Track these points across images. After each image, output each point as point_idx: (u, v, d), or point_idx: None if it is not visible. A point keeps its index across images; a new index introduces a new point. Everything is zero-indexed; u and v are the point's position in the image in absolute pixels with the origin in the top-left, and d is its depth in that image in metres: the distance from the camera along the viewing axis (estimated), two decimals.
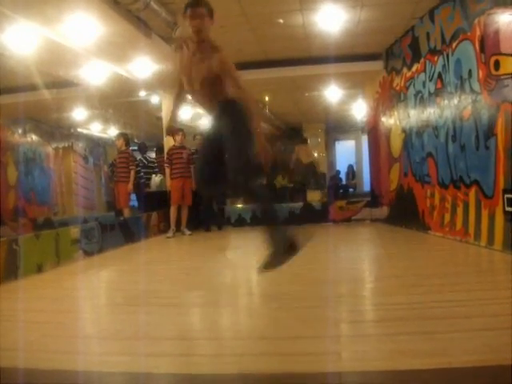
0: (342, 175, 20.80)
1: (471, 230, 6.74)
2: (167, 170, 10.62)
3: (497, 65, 5.94)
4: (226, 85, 4.40)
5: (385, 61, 10.30)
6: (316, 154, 19.94)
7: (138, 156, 12.26)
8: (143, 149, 13.02)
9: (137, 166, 10.83)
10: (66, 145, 15.60)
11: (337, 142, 22.15)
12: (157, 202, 11.07)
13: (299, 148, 16.00)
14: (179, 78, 4.71)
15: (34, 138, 14.20)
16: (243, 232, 10.81)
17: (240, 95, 4.41)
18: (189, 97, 4.91)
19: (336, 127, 20.33)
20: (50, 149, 14.86)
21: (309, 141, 19.70)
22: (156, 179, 12.41)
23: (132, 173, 10.10)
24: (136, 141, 15.05)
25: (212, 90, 4.40)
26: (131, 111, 13.45)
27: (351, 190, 20.18)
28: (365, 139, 14.45)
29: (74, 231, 7.29)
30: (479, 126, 6.43)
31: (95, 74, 9.06)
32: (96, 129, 15.87)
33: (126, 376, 2.71)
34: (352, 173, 20.80)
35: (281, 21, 8.15)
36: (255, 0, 7.37)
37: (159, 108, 12.04)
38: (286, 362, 2.76)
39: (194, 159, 10.46)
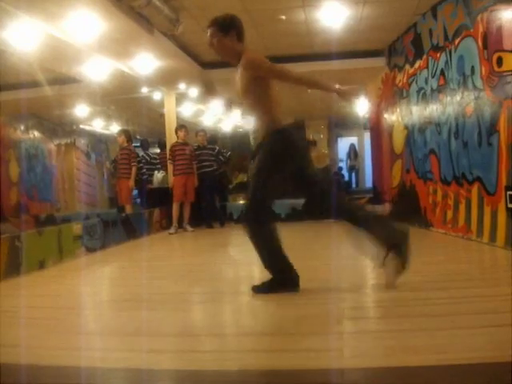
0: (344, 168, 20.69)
1: (473, 226, 6.74)
2: (170, 167, 10.62)
3: (499, 61, 5.93)
4: (266, 99, 4.21)
5: (387, 57, 10.29)
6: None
7: (141, 152, 12.26)
8: (146, 145, 13.03)
9: (139, 162, 10.83)
10: (68, 141, 15.62)
11: (339, 139, 22.08)
12: (159, 198, 11.08)
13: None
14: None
15: (37, 134, 14.21)
16: None
17: (297, 83, 4.43)
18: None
19: (338, 124, 20.27)
20: (52, 145, 14.87)
21: (311, 137, 19.69)
22: (158, 175, 12.42)
23: (133, 169, 10.09)
24: (138, 137, 15.06)
25: (253, 105, 4.28)
26: (133, 108, 13.45)
27: (353, 186, 20.17)
28: (367, 136, 14.45)
29: (77, 227, 7.29)
30: (482, 123, 6.42)
31: (97, 70, 9.05)
32: (98, 125, 15.86)
33: (128, 372, 2.71)
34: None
35: (283, 17, 8.14)
36: None
37: (161, 104, 12.05)
38: (287, 359, 2.76)
39: (198, 155, 10.49)
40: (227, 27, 4.26)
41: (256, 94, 4.19)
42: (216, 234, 10.19)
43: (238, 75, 4.31)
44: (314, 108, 16.58)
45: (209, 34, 4.29)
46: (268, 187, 4.18)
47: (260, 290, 4.28)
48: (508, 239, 5.86)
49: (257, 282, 5.32)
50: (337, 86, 4.43)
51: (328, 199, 4.21)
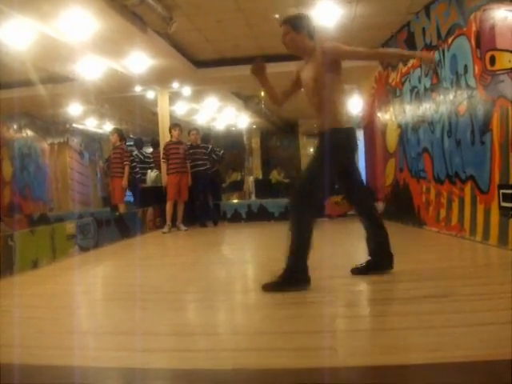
0: None
1: (467, 225, 6.76)
2: (163, 166, 10.61)
3: (492, 60, 5.94)
4: (336, 95, 4.50)
5: None
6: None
7: (135, 151, 12.24)
8: (139, 144, 13.00)
9: (132, 161, 10.79)
10: (62, 140, 15.61)
11: None
12: (152, 197, 11.06)
13: None
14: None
15: (30, 133, 14.20)
16: (239, 227, 10.82)
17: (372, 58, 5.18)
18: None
19: None
20: (45, 144, 14.86)
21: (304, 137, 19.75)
22: (152, 174, 12.40)
23: (126, 168, 10.06)
24: (132, 136, 15.05)
25: (321, 102, 4.49)
26: (127, 106, 13.44)
27: None
28: (360, 134, 14.46)
29: (70, 227, 7.28)
30: (475, 122, 6.44)
31: (91, 69, 9.04)
32: (91, 124, 15.85)
33: (122, 371, 2.71)
34: None
35: (277, 16, 8.12)
36: None
37: (155, 103, 12.04)
38: (281, 358, 2.77)
39: (191, 154, 10.48)
40: (299, 26, 4.56)
41: (328, 85, 4.47)
42: (209, 233, 10.19)
43: (308, 68, 4.57)
44: (306, 107, 16.60)
45: (282, 31, 4.59)
46: (320, 180, 4.30)
47: (271, 287, 4.22)
48: (501, 238, 5.87)
49: (250, 280, 5.32)
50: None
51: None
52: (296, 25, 4.54)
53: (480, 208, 6.39)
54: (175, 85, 11.39)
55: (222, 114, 16.43)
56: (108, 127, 14.78)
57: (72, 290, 5.14)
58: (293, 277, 4.19)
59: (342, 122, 4.44)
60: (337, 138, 4.32)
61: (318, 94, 4.48)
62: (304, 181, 4.43)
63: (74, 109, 13.31)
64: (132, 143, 13.45)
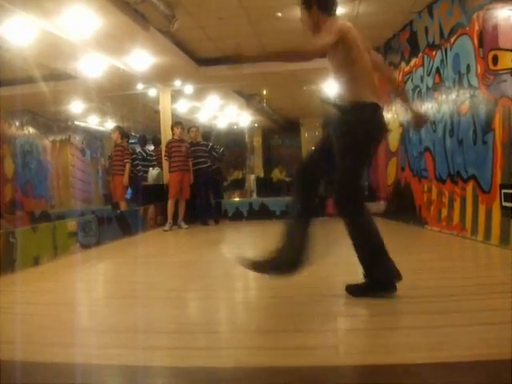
0: None
1: (468, 224, 6.75)
2: (165, 163, 10.59)
3: (495, 60, 5.93)
4: (351, 65, 3.87)
5: (383, 55, 10.26)
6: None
7: (138, 149, 12.22)
8: (143, 142, 12.99)
9: (134, 159, 10.78)
10: (64, 138, 15.59)
11: None
12: (154, 195, 11.05)
13: None
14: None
15: (32, 130, 14.18)
16: (240, 226, 10.81)
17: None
18: None
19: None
20: (47, 141, 14.84)
21: (306, 135, 19.71)
22: (153, 172, 12.38)
23: (127, 166, 10.05)
24: (134, 134, 15.04)
25: (337, 69, 3.95)
26: (129, 104, 13.43)
27: None
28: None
29: (71, 224, 7.28)
30: (477, 121, 6.43)
31: (93, 66, 9.03)
32: (93, 122, 15.84)
33: (124, 369, 2.71)
34: None
35: (279, 14, 8.13)
36: None
37: (157, 101, 12.03)
38: (282, 356, 2.76)
39: (192, 151, 10.47)
40: (309, 2, 3.99)
41: (340, 58, 3.90)
42: (210, 231, 10.19)
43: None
44: (309, 106, 16.59)
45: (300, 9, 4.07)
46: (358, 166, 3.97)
47: (354, 291, 3.91)
48: (502, 237, 5.87)
49: (251, 279, 5.32)
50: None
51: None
52: (306, 1, 3.99)
53: (481, 208, 6.38)
54: (177, 83, 11.39)
55: (223, 112, 16.42)
56: (110, 125, 14.76)
57: (73, 287, 5.14)
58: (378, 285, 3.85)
59: (364, 97, 3.87)
60: (358, 113, 3.82)
61: (336, 72, 3.96)
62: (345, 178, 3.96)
63: (75, 106, 13.31)
64: (135, 141, 13.44)
